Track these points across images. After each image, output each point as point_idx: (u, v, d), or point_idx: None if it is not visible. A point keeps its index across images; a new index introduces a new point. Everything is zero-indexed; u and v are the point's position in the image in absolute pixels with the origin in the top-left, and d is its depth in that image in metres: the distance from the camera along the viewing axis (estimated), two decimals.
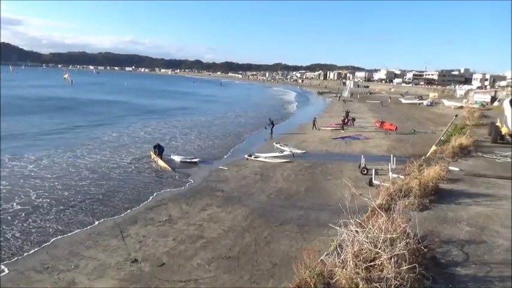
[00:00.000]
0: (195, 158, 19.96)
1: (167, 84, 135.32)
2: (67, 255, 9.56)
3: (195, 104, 58.75)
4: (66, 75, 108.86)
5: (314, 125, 32.54)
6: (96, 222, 11.74)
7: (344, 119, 34.06)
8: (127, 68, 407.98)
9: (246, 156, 20.76)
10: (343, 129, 31.97)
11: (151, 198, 14.17)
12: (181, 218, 12.06)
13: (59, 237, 10.68)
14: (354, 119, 35.94)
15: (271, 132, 28.76)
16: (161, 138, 25.73)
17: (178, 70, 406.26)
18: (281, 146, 23.29)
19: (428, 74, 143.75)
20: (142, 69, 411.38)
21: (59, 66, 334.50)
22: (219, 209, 12.85)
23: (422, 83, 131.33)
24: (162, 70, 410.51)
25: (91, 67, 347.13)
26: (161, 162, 18.76)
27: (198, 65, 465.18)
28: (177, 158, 19.92)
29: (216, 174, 17.63)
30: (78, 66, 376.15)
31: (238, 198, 14.02)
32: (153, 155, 19.75)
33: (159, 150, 19.66)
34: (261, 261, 9.08)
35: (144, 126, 33.04)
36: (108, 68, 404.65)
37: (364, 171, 16.75)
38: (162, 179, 16.92)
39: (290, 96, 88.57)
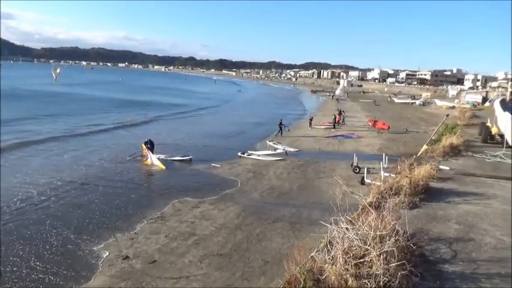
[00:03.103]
0: (187, 156, 19.78)
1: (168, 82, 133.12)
2: None
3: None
4: (58, 70, 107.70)
5: (310, 123, 32.70)
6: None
7: (335, 118, 33.68)
8: (120, 64, 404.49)
9: (239, 153, 20.75)
10: (333, 128, 31.92)
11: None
12: (174, 215, 12.03)
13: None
14: (343, 112, 36.82)
15: (280, 132, 27.96)
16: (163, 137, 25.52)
17: (172, 67, 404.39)
18: (274, 144, 23.37)
19: (421, 74, 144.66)
20: (136, 66, 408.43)
21: (51, 61, 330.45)
22: (211, 206, 12.84)
23: (415, 82, 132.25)
24: (156, 67, 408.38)
25: (83, 63, 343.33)
26: (153, 158, 18.51)
27: (191, 62, 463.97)
28: (169, 157, 19.49)
29: (208, 171, 17.61)
30: (70, 62, 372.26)
31: (231, 196, 14.03)
32: (144, 150, 19.08)
33: (151, 145, 19.16)
34: (252, 258, 9.12)
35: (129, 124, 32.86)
36: (100, 64, 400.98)
37: (356, 169, 16.87)
38: (156, 176, 16.87)
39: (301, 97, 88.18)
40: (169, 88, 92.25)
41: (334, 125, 32.56)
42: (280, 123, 28.36)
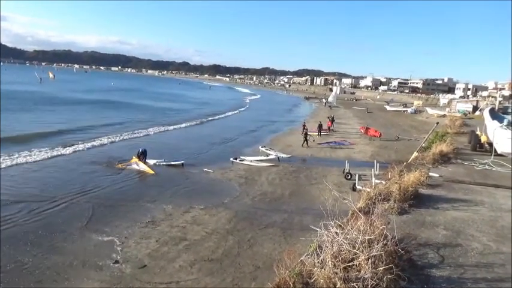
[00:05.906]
0: (179, 161, 19.70)
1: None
2: None
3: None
4: (51, 75, 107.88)
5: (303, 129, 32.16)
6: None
7: (320, 125, 32.53)
8: (113, 68, 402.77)
9: (232, 159, 20.77)
10: (319, 135, 31.00)
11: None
12: (165, 219, 11.99)
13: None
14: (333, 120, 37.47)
15: (306, 143, 26.54)
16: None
17: (166, 71, 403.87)
18: (267, 149, 23.45)
19: (413, 83, 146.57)
20: (129, 70, 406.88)
21: (43, 64, 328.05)
22: (202, 211, 12.83)
23: (407, 91, 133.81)
24: (149, 71, 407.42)
25: (76, 66, 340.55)
26: (143, 165, 18.25)
27: (185, 67, 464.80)
28: (160, 162, 19.32)
29: (200, 176, 17.58)
30: (62, 65, 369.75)
31: (223, 201, 14.03)
32: (135, 159, 18.67)
33: (143, 154, 18.86)
34: (243, 264, 9.13)
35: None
36: (93, 67, 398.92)
37: (348, 176, 17.01)
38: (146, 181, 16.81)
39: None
40: (184, 96, 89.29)
41: (319, 132, 31.60)
42: (306, 134, 27.17)
